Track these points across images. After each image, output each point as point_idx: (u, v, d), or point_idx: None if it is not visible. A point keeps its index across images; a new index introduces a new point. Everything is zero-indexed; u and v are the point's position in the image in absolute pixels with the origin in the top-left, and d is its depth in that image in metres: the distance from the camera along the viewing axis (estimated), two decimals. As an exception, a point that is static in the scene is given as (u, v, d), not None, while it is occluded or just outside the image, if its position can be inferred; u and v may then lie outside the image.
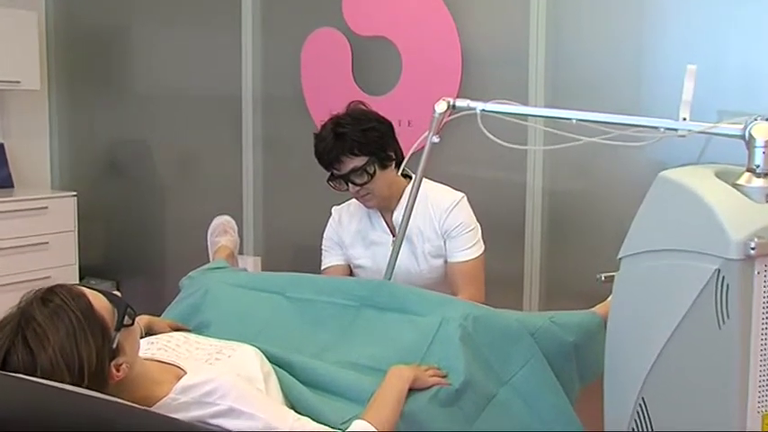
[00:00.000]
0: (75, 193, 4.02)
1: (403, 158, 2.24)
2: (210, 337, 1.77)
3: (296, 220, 3.42)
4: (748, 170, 1.59)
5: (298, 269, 2.23)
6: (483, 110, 1.93)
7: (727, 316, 1.45)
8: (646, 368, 1.59)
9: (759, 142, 1.58)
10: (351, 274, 2.35)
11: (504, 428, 1.72)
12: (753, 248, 1.41)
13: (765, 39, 2.38)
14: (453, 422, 1.65)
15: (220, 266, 2.26)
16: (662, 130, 1.76)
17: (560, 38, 2.73)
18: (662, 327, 1.55)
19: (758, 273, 1.44)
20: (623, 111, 1.88)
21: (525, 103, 2.65)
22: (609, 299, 1.85)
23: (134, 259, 4.12)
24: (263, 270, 3.47)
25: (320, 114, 2.66)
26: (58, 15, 4.28)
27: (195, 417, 1.38)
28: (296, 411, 1.49)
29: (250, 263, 3.48)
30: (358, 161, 2.13)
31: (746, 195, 1.54)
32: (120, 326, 1.35)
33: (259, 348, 1.65)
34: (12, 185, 4.09)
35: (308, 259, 2.57)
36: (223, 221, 2.57)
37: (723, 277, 1.44)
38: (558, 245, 2.80)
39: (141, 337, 1.57)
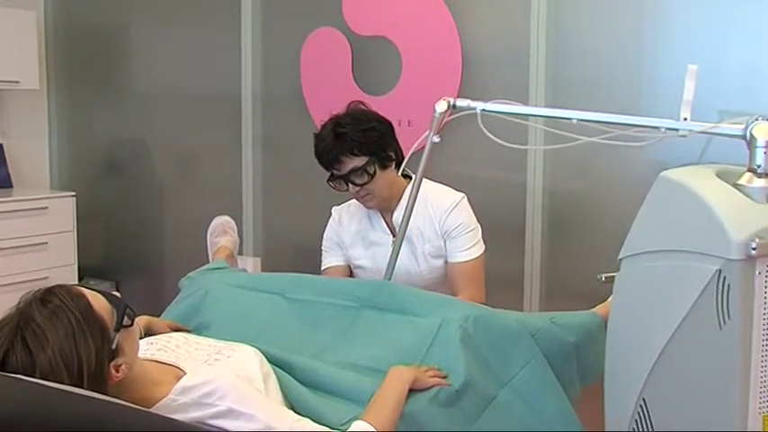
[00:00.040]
0: (74, 194, 4.02)
1: (403, 158, 2.24)
2: (210, 337, 1.77)
3: (296, 221, 3.42)
4: (749, 170, 1.59)
5: (297, 270, 2.22)
6: (483, 110, 1.92)
7: (728, 316, 1.44)
8: (646, 369, 1.59)
9: (760, 142, 1.58)
10: (351, 274, 2.34)
11: (505, 429, 1.72)
12: (754, 249, 1.41)
13: (766, 38, 2.37)
14: (453, 423, 1.65)
15: (220, 267, 2.26)
16: (663, 129, 1.76)
17: (561, 38, 2.73)
18: (663, 327, 1.55)
19: (759, 273, 1.44)
20: (624, 110, 1.87)
21: (526, 103, 2.65)
22: (609, 299, 1.85)
23: (133, 259, 4.12)
24: (262, 271, 3.47)
25: (320, 114, 2.65)
26: (57, 15, 4.27)
27: (195, 418, 1.38)
28: (295, 412, 1.49)
29: (250, 263, 3.48)
30: (358, 161, 2.13)
31: (747, 195, 1.54)
32: (120, 326, 1.35)
33: (259, 349, 1.65)
34: (11, 185, 4.09)
35: (307, 260, 2.57)
36: (223, 222, 2.57)
37: (724, 278, 1.44)
38: (558, 245, 2.80)
39: (141, 338, 1.57)
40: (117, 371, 1.33)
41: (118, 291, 4.03)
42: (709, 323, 1.47)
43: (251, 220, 3.57)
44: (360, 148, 2.12)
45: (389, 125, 2.22)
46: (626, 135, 1.80)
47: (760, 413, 1.47)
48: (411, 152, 2.18)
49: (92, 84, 4.19)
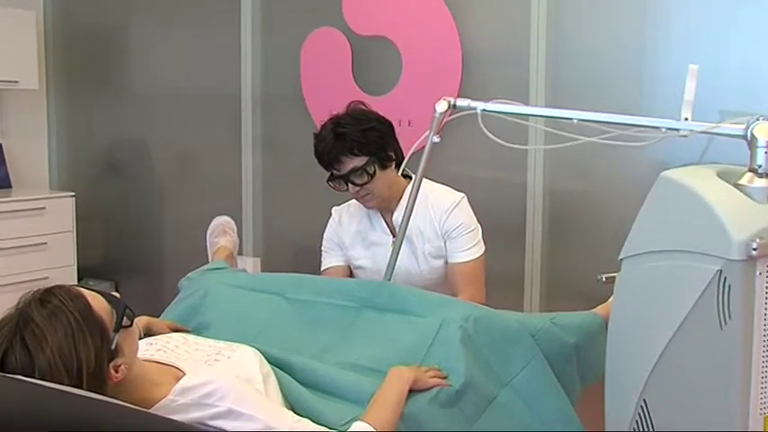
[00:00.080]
0: (73, 194, 4.02)
1: (403, 158, 2.23)
2: (210, 338, 1.76)
3: (296, 221, 3.42)
4: (750, 170, 1.59)
5: (297, 270, 2.22)
6: (484, 110, 1.92)
7: (729, 317, 1.44)
8: (647, 369, 1.59)
9: (761, 142, 1.58)
10: (351, 274, 2.34)
11: (505, 430, 1.72)
12: (755, 249, 1.41)
13: (767, 38, 2.37)
14: (454, 423, 1.64)
15: (219, 267, 2.26)
16: (663, 129, 1.75)
17: (561, 37, 2.72)
18: (663, 328, 1.55)
19: (760, 273, 1.43)
20: (624, 110, 1.87)
21: (526, 103, 2.64)
22: (610, 300, 1.85)
23: (133, 260, 4.11)
24: (262, 271, 3.46)
25: (320, 114, 2.65)
26: (56, 15, 4.27)
27: (194, 418, 1.37)
28: (295, 413, 1.49)
29: (249, 264, 3.47)
30: (358, 161, 2.12)
31: (748, 196, 1.54)
32: (119, 327, 1.35)
33: (258, 349, 1.65)
34: (10, 186, 4.08)
35: (307, 260, 2.57)
36: (222, 222, 2.57)
37: (725, 278, 1.44)
38: (558, 245, 2.79)
39: (140, 338, 1.57)
40: (116, 371, 1.33)
41: (117, 291, 4.03)
42: (710, 324, 1.47)
43: (251, 221, 3.57)
44: (360, 148, 2.12)
45: (389, 125, 2.21)
46: (626, 135, 1.80)
47: (761, 414, 1.47)
48: (411, 152, 2.18)
49: (91, 84, 4.19)
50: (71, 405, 1.17)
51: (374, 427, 1.44)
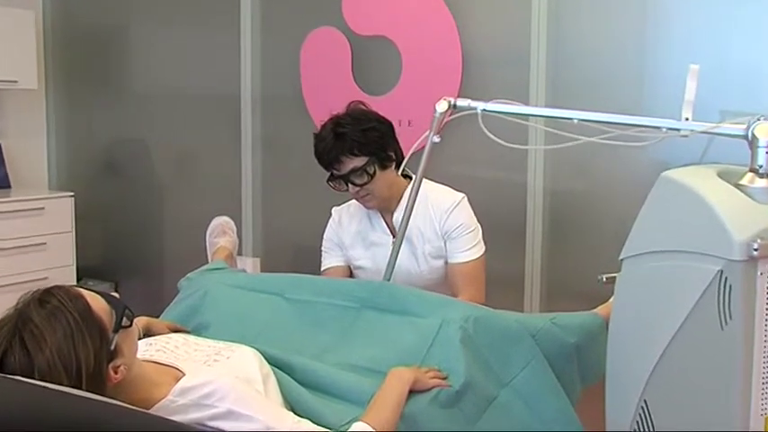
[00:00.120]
0: (72, 194, 4.01)
1: (403, 159, 2.23)
2: (209, 338, 1.76)
3: (295, 221, 3.41)
4: (751, 170, 1.58)
5: (297, 270, 2.22)
6: (484, 110, 1.92)
7: (730, 317, 1.44)
8: (648, 370, 1.58)
9: (762, 142, 1.58)
10: (351, 275, 2.34)
11: (505, 430, 1.72)
12: (756, 249, 1.40)
13: None
14: (454, 424, 1.64)
15: (219, 267, 2.26)
16: (664, 129, 1.75)
17: (561, 37, 2.72)
18: (664, 328, 1.54)
19: (761, 274, 1.43)
20: (625, 110, 1.87)
21: (526, 103, 2.64)
22: (610, 300, 1.85)
23: (132, 260, 4.11)
24: (262, 271, 3.46)
25: (320, 114, 2.65)
26: (55, 14, 4.27)
27: (194, 419, 1.37)
28: (295, 413, 1.48)
29: (249, 264, 3.47)
30: (358, 161, 2.12)
31: (749, 196, 1.54)
32: (119, 327, 1.34)
33: (258, 350, 1.64)
34: (9, 186, 4.08)
35: (307, 260, 2.56)
36: (222, 222, 2.56)
37: (726, 278, 1.44)
38: (559, 245, 2.79)
39: (139, 339, 1.56)
40: (116, 372, 1.33)
41: (117, 291, 4.03)
42: (711, 324, 1.46)
43: (250, 221, 3.57)
44: (360, 148, 2.11)
45: (389, 125, 2.21)
46: (627, 135, 1.80)
47: (762, 414, 1.46)
48: (411, 152, 2.17)
49: (90, 83, 4.19)
50: (70, 406, 1.17)
51: (374, 428, 1.44)
